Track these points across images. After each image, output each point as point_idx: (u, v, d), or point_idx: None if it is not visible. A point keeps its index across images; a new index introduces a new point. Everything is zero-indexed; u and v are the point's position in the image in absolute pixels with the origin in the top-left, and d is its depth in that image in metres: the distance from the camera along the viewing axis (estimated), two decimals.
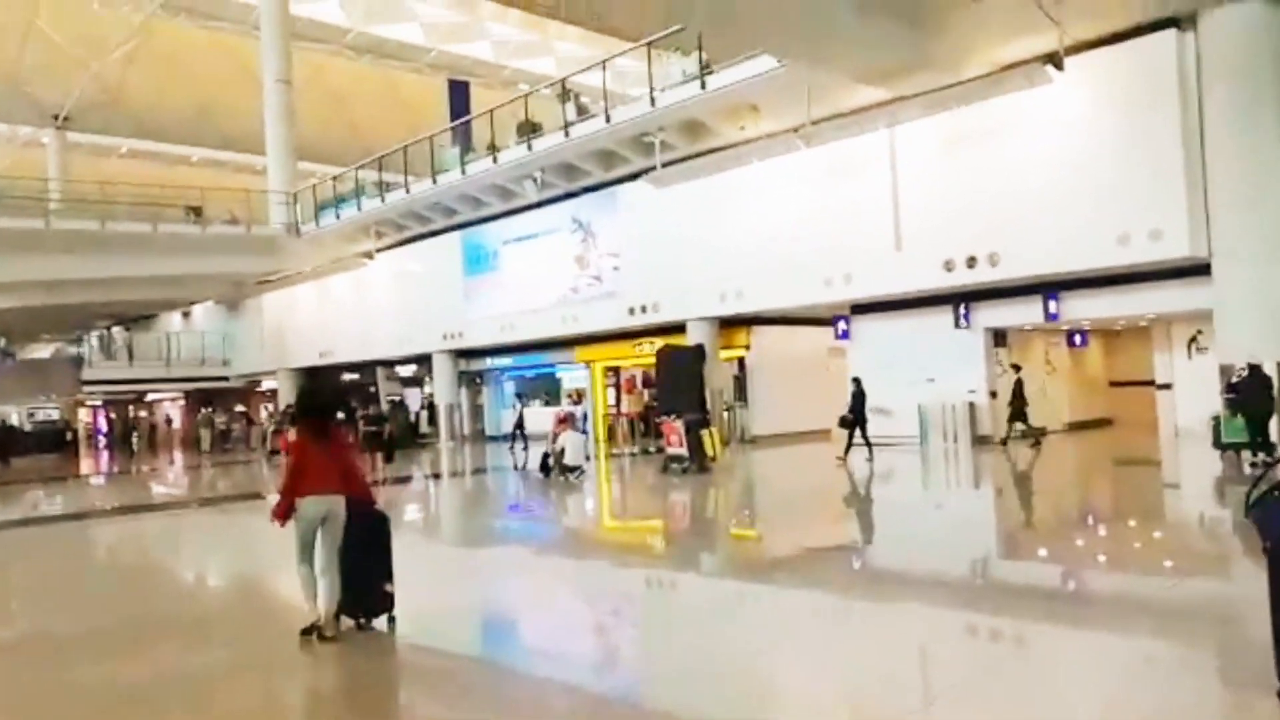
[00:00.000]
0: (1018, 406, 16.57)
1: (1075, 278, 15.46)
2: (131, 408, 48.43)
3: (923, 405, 17.67)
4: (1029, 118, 14.84)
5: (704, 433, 14.58)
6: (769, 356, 21.48)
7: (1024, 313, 16.67)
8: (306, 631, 5.76)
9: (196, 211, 29.25)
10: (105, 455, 37.83)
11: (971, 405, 17.22)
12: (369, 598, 5.95)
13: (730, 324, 21.07)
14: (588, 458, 15.55)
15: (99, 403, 50.39)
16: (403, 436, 27.94)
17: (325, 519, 5.75)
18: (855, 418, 15.62)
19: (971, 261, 15.76)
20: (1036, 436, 16.82)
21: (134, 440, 39.32)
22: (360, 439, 24.09)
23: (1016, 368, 17.30)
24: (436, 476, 17.97)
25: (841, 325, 19.29)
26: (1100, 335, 21.04)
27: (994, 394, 17.44)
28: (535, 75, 37.15)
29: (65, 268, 25.80)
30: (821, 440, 21.56)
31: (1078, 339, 20.05)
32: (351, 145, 34.68)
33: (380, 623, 6.01)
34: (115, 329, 42.12)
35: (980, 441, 17.09)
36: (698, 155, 18.63)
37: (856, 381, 16.50)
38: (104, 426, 51.21)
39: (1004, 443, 16.82)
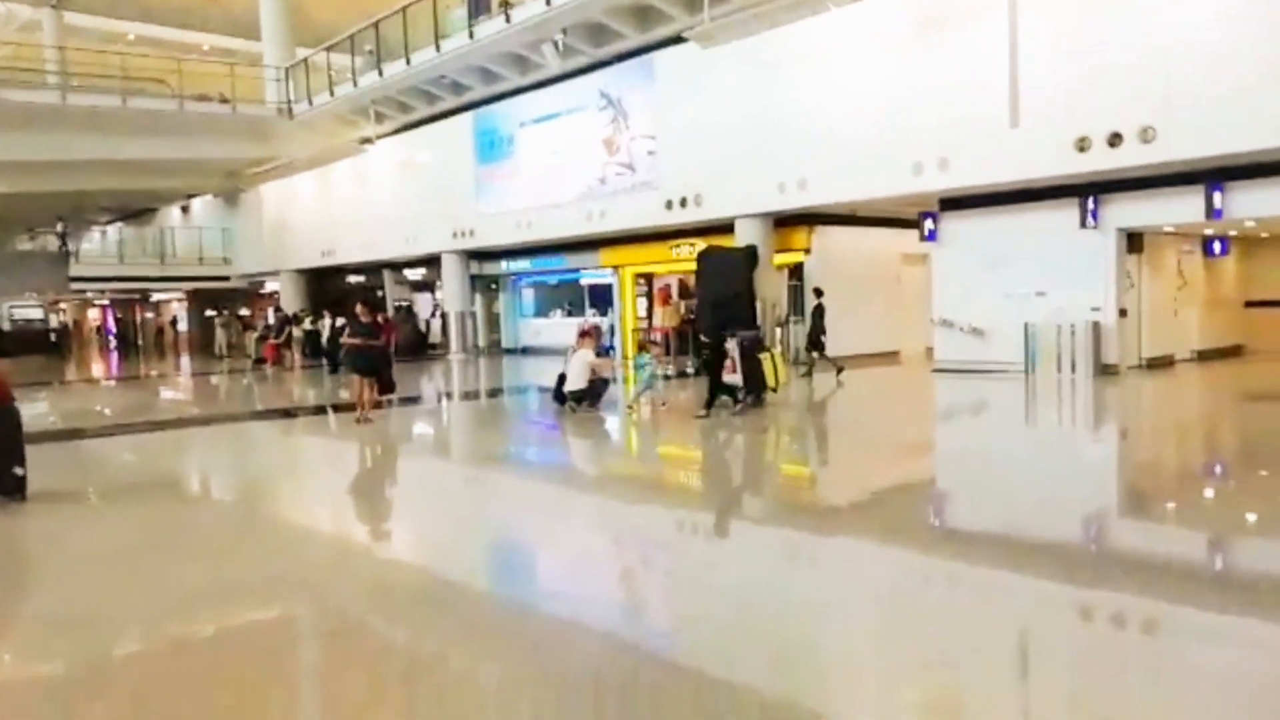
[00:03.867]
0: (815, 333, 15.53)
1: (1252, 162, 11.80)
2: (138, 309, 46.28)
3: (1031, 325, 14.24)
4: None
5: (763, 356, 11.34)
6: (832, 263, 18.00)
7: (1175, 209, 13.01)
8: None
9: (223, 100, 25.83)
10: (104, 358, 35.55)
11: (1096, 326, 13.76)
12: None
13: (787, 222, 17.57)
14: (607, 381, 12.32)
15: (105, 302, 48.44)
16: (412, 347, 25.27)
17: None
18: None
19: (1115, 139, 12.08)
20: (839, 367, 15.26)
21: (137, 342, 37.03)
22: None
23: (819, 292, 15.92)
24: (414, 400, 14.99)
25: (928, 224, 15.72)
26: (1238, 243, 17.26)
27: (1123, 312, 13.97)
28: None
29: (27, 147, 22.68)
30: (890, 364, 18.35)
31: (1217, 247, 16.33)
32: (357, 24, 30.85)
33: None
34: (112, 225, 39.44)
35: (1104, 371, 13.72)
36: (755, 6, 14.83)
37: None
38: (112, 327, 49.37)
39: (808, 374, 15.84)
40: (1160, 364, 14.92)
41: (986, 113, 13.26)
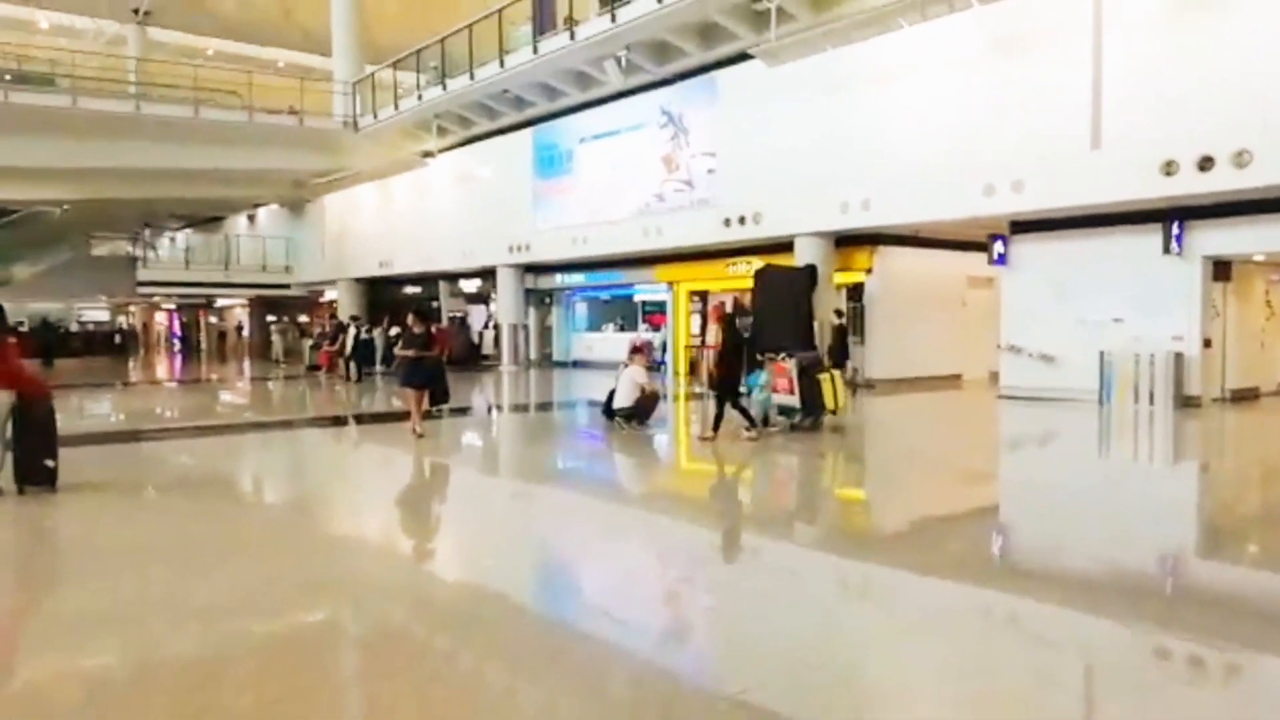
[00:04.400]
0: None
1: None
2: (201, 314, 47.48)
3: (1107, 353, 13.61)
4: None
5: (823, 376, 10.98)
6: (894, 284, 17.55)
7: (1270, 236, 12.31)
8: None
9: (292, 113, 26.43)
10: (167, 360, 36.47)
11: (1178, 356, 13.08)
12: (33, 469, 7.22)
13: (848, 242, 17.18)
14: (657, 397, 11.90)
15: (173, 306, 49.85)
16: (464, 357, 25.37)
17: None
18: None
19: (1206, 163, 11.49)
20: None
21: (200, 346, 37.90)
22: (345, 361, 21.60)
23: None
24: (465, 410, 14.67)
25: (998, 248, 15.18)
26: None
27: (1208, 342, 13.26)
28: None
29: (102, 154, 23.37)
30: (952, 387, 17.79)
31: None
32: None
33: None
34: (182, 232, 40.58)
35: (1186, 403, 13.02)
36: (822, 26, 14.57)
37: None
38: (179, 331, 50.76)
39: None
40: (1245, 396, 14.15)
41: (1066, 133, 12.78)
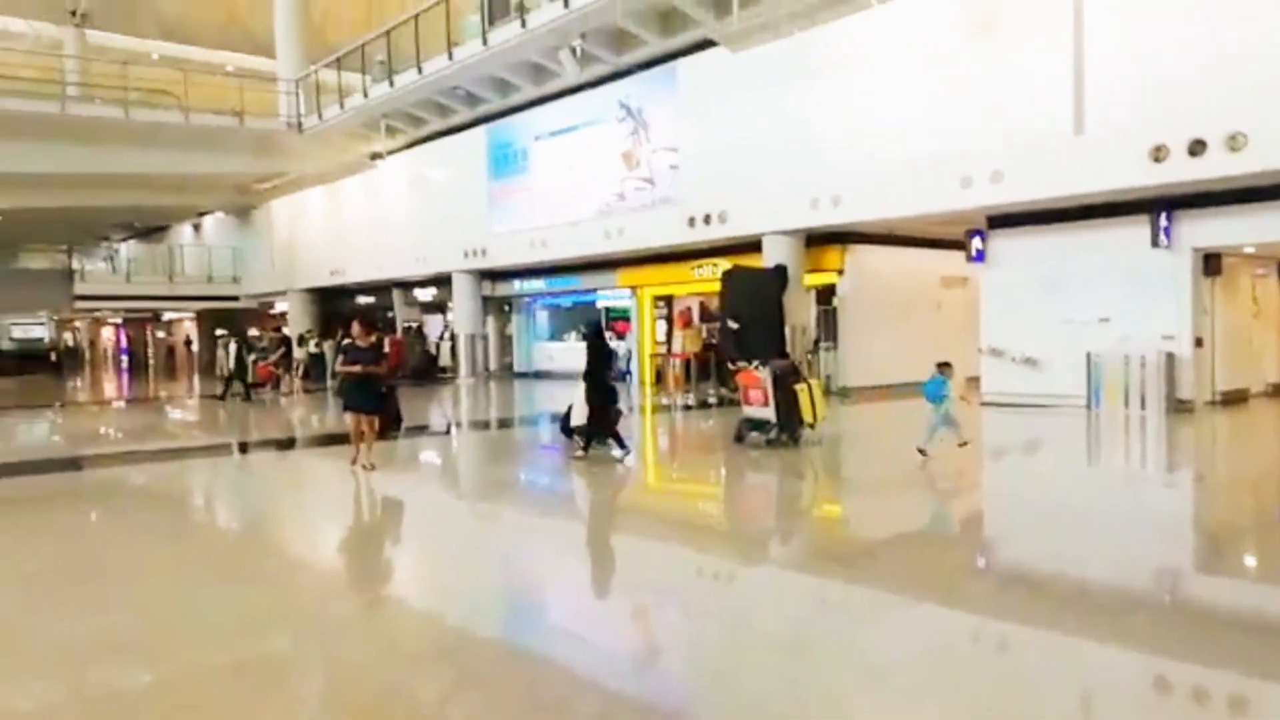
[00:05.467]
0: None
1: None
2: (148, 328, 45.57)
3: (1094, 355, 12.82)
4: None
5: (799, 387, 10.01)
6: (867, 284, 16.69)
7: (1263, 226, 11.57)
8: None
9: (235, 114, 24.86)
10: (108, 377, 34.65)
11: (1170, 357, 12.31)
12: None
13: (819, 241, 16.29)
14: (619, 411, 10.18)
15: (119, 321, 47.83)
16: (421, 370, 24.17)
17: None
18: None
19: (1198, 147, 10.72)
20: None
21: (148, 362, 36.11)
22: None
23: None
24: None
25: (976, 244, 14.36)
26: None
27: (1199, 342, 12.51)
28: None
29: (22, 158, 21.82)
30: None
31: None
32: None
33: None
34: (125, 243, 38.77)
35: (1179, 407, 12.25)
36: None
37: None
38: (125, 345, 48.76)
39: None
40: (1235, 399, 13.43)
41: (1047, 120, 11.99)
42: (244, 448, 12.74)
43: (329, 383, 20.71)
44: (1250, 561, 5.89)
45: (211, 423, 16.62)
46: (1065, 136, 11.87)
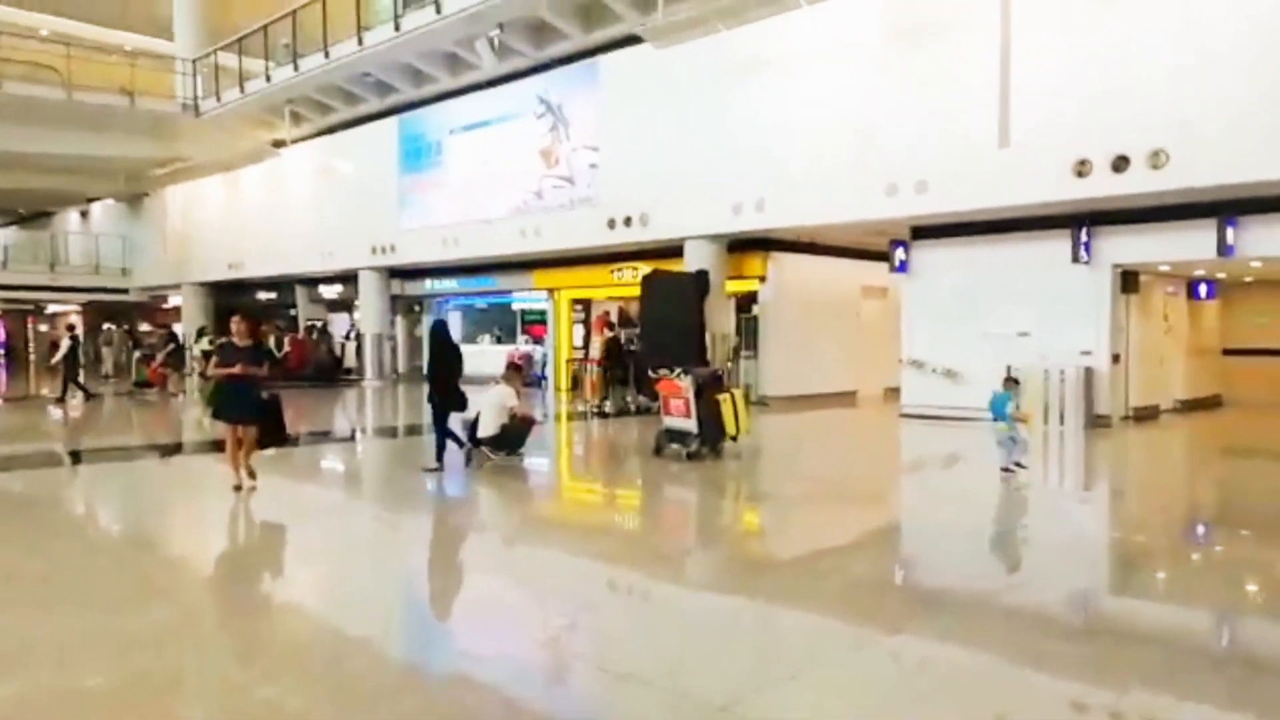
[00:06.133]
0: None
1: (1274, 194, 10.49)
2: (30, 320, 42.36)
3: (1014, 369, 12.68)
4: None
5: (721, 397, 9.46)
6: (788, 293, 16.34)
7: (1180, 244, 11.60)
8: None
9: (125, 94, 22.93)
10: None
11: (1088, 372, 12.26)
12: None
13: (741, 247, 15.87)
14: (531, 421, 9.66)
15: None
16: (325, 371, 22.89)
17: None
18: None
19: (1121, 163, 10.64)
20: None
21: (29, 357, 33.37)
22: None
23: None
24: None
25: (899, 254, 14.14)
26: (1222, 287, 16.13)
27: (1117, 358, 12.51)
28: None
29: None
30: (847, 405, 16.73)
31: (1203, 290, 15.13)
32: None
33: None
34: (3, 228, 35.87)
35: (1097, 423, 12.20)
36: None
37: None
38: (3, 338, 45.20)
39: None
40: (1146, 415, 13.54)
41: (973, 131, 11.82)
42: (76, 457, 11.42)
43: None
44: (1157, 577, 5.57)
45: (128, 424, 15.15)
46: (990, 148, 11.71)
